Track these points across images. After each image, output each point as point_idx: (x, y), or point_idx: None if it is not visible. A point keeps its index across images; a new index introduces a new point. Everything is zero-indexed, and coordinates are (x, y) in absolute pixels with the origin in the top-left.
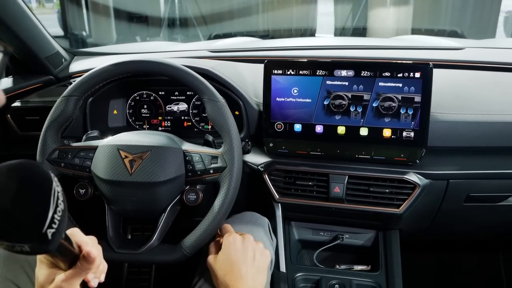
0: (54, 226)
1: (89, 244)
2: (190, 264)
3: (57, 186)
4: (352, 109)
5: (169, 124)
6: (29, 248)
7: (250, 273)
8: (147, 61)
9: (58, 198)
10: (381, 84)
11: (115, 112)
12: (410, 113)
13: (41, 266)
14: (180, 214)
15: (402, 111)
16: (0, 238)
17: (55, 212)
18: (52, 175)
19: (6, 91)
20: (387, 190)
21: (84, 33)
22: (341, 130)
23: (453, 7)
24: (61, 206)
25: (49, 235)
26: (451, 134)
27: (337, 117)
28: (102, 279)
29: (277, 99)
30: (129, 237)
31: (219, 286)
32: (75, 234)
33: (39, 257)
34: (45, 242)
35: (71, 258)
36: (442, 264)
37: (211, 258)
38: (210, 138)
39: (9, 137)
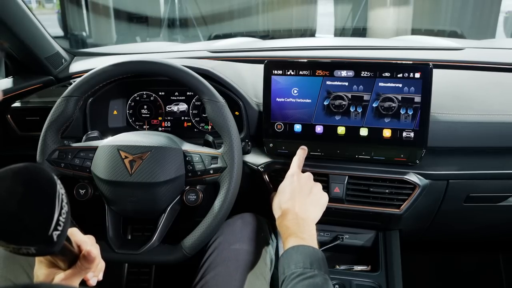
0: (59, 228)
1: (89, 244)
2: (190, 264)
3: (61, 189)
4: (352, 109)
5: (169, 125)
6: (35, 250)
7: (302, 202)
8: (147, 62)
9: (62, 201)
10: (381, 84)
11: (115, 112)
12: (410, 113)
13: (40, 266)
14: (180, 214)
15: (402, 112)
16: (7, 241)
17: (60, 214)
18: (55, 177)
19: (6, 91)
20: (387, 191)
21: (84, 34)
22: (341, 130)
23: (453, 7)
24: (65, 208)
25: (55, 237)
26: (451, 134)
27: (337, 118)
28: (101, 277)
29: (277, 99)
30: (129, 237)
31: (275, 211)
32: (75, 234)
33: (38, 257)
34: (51, 244)
35: (71, 258)
36: (442, 264)
37: (273, 193)
38: (210, 138)
39: (9, 137)
